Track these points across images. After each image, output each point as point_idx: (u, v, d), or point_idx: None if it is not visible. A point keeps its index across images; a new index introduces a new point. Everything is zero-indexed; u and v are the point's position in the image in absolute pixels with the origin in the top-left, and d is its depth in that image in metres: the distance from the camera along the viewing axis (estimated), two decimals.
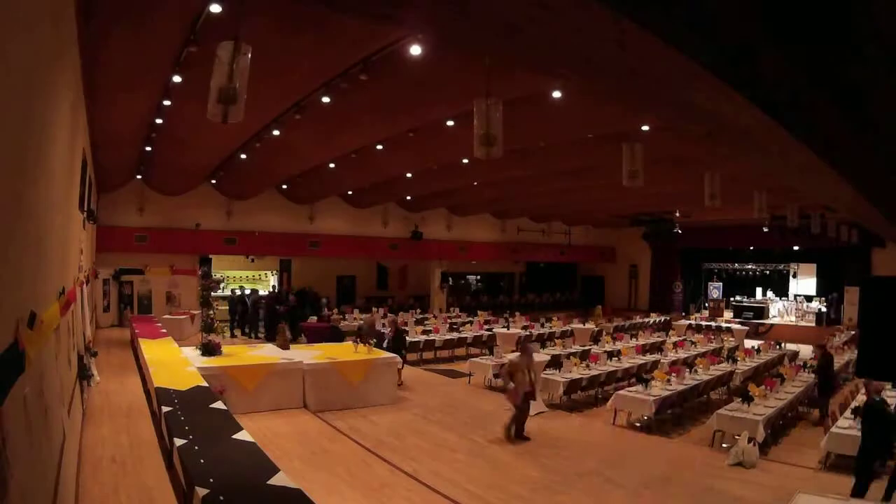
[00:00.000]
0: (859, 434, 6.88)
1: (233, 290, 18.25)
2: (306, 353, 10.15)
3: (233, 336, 16.41)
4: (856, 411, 6.95)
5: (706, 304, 25.18)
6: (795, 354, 13.86)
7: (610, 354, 11.75)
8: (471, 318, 18.77)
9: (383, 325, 14.78)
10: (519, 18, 2.41)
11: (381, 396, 9.62)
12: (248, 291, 18.91)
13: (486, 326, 16.87)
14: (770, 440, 7.71)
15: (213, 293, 10.74)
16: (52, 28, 3.23)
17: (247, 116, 4.18)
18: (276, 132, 10.92)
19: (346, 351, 10.49)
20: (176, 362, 8.64)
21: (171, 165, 14.57)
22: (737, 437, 7.30)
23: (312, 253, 20.27)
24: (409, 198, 20.54)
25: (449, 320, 18.33)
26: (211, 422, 5.36)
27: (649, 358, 12.34)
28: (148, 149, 12.68)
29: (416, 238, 22.26)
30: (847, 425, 7.19)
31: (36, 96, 2.85)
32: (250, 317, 17.26)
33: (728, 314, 23.34)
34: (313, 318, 16.33)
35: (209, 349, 9.39)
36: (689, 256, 26.30)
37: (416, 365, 13.36)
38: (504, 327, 16.50)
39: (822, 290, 23.12)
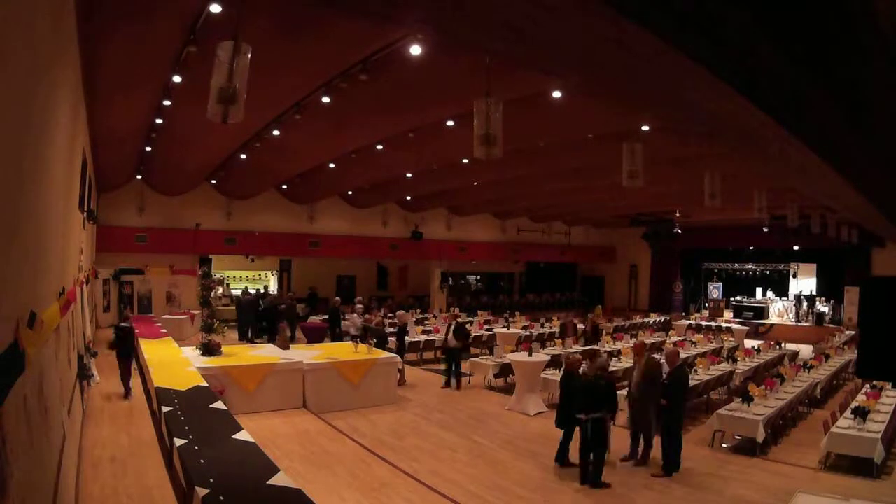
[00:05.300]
0: (860, 434, 6.89)
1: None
2: (306, 353, 10.16)
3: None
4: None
5: (706, 305, 25.16)
6: (795, 354, 13.87)
7: (610, 354, 11.74)
8: (471, 318, 18.74)
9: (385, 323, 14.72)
10: (519, 18, 2.41)
11: (381, 396, 9.63)
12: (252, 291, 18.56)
13: (486, 326, 16.84)
14: (770, 440, 7.70)
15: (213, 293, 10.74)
16: (52, 27, 3.23)
17: (247, 116, 4.18)
18: (276, 132, 10.91)
19: (346, 351, 10.49)
20: (176, 362, 8.64)
21: (171, 165, 14.56)
22: (737, 436, 7.22)
23: (312, 253, 20.26)
24: (409, 198, 20.53)
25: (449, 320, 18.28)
26: (211, 422, 5.36)
27: None
28: (148, 149, 12.68)
29: (416, 238, 22.25)
30: (847, 425, 7.18)
31: (36, 96, 2.84)
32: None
33: (728, 314, 23.34)
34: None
35: (209, 349, 9.39)
36: (688, 256, 26.28)
37: (416, 365, 13.37)
38: (504, 327, 16.48)
39: (822, 290, 23.12)
